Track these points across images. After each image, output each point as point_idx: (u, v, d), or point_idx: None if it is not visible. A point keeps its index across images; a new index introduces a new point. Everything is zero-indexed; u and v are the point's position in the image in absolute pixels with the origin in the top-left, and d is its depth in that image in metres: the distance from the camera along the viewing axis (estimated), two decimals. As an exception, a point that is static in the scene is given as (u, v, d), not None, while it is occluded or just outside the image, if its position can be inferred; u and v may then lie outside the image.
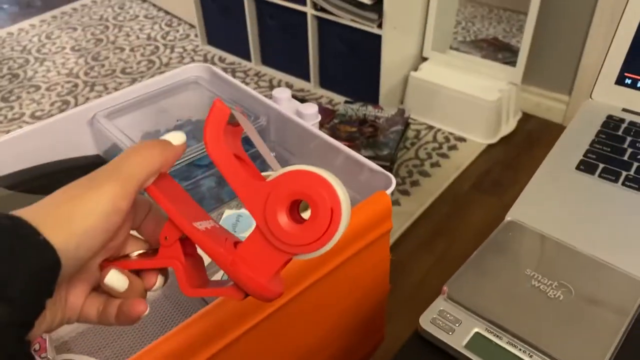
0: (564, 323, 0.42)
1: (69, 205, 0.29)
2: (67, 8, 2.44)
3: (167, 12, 2.37)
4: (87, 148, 0.67)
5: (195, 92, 0.71)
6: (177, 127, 0.70)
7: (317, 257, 0.47)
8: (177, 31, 2.23)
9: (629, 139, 0.58)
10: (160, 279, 0.35)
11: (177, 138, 0.36)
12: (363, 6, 1.67)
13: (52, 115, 1.74)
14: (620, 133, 0.59)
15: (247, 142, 0.67)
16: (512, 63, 1.79)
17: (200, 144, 0.62)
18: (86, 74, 1.97)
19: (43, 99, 1.84)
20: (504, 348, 0.41)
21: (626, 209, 0.51)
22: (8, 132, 1.72)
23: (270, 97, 0.66)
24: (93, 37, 2.22)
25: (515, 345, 0.41)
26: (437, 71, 1.83)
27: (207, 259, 0.36)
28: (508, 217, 0.51)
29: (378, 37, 1.68)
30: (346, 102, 1.77)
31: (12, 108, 1.81)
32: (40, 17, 2.36)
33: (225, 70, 1.97)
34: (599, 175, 0.55)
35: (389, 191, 0.52)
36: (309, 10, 1.75)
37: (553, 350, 0.40)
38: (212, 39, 2.13)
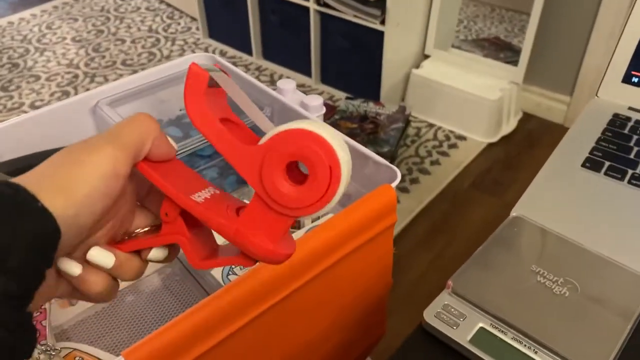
0: (570, 319, 0.41)
1: (67, 169, 0.28)
2: (68, -2, 2.43)
3: (168, 5, 2.36)
4: (89, 135, 0.67)
5: (198, 82, 0.71)
6: (179, 117, 0.70)
7: (320, 250, 0.46)
8: (179, 24, 2.22)
9: (635, 137, 0.58)
10: (158, 252, 0.35)
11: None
12: (366, 2, 1.66)
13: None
14: (626, 131, 0.59)
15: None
16: (514, 62, 1.79)
17: (191, 137, 0.61)
18: (86, 64, 1.96)
19: (43, 89, 1.83)
20: (508, 343, 0.41)
21: (632, 207, 0.51)
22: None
23: (274, 89, 0.66)
24: (94, 28, 2.20)
25: (520, 341, 0.40)
26: (438, 69, 1.82)
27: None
28: (513, 213, 0.51)
29: (380, 34, 1.68)
30: (347, 98, 1.77)
31: (11, 97, 1.80)
32: (41, 7, 2.35)
33: (226, 64, 1.96)
34: (605, 173, 0.55)
35: (394, 184, 0.51)
36: (311, 5, 1.75)
37: (558, 346, 0.39)
38: (214, 32, 2.12)
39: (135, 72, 1.91)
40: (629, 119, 0.60)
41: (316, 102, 0.61)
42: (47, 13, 2.31)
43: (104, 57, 2.01)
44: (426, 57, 1.88)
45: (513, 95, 1.77)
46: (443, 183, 1.56)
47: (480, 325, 0.42)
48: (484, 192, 1.58)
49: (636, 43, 0.62)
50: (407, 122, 1.72)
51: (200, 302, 0.42)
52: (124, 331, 0.52)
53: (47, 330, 0.44)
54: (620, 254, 0.46)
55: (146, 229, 0.35)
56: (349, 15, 1.71)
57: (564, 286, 0.43)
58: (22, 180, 0.27)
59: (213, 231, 0.34)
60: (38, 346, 0.40)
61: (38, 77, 1.90)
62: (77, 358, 0.48)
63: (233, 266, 0.56)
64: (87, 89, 1.83)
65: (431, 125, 1.79)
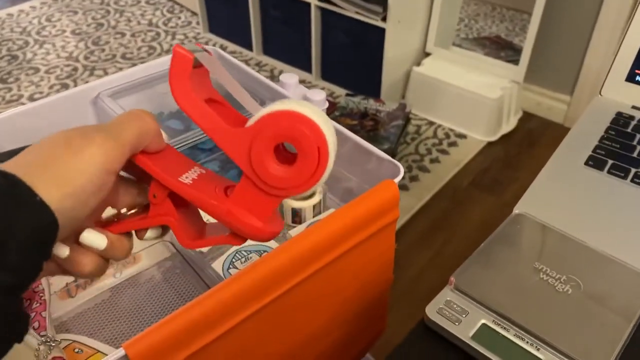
0: (572, 317, 0.41)
1: (64, 161, 0.28)
2: (68, -9, 2.41)
3: (169, -1, 2.35)
4: (90, 128, 0.67)
5: (200, 75, 0.70)
6: (180, 110, 0.69)
7: (322, 245, 0.46)
8: (179, 18, 2.22)
9: (638, 136, 0.58)
10: (152, 231, 0.35)
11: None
12: (368, -2, 1.66)
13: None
14: (629, 130, 0.59)
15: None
16: (515, 61, 1.78)
17: (192, 130, 0.61)
18: (86, 58, 1.95)
19: (42, 81, 1.83)
20: (511, 340, 0.40)
21: (635, 206, 0.51)
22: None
23: (276, 83, 0.65)
24: (94, 21, 2.19)
25: (522, 338, 0.40)
26: (439, 67, 1.82)
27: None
28: (516, 210, 0.51)
29: (381, 31, 1.67)
30: (347, 94, 1.76)
31: (10, 89, 1.79)
32: (40, -1, 2.34)
33: (226, 59, 1.96)
34: (608, 172, 0.54)
35: (396, 180, 0.51)
36: (312, 0, 1.74)
37: (561, 343, 0.39)
38: (214, 27, 2.11)
39: (134, 65, 1.91)
40: (632, 117, 0.60)
41: (319, 96, 0.61)
42: (47, 5, 2.30)
43: (103, 50, 2.00)
44: (427, 54, 1.88)
45: (513, 94, 1.77)
46: (443, 181, 1.56)
47: (483, 321, 0.42)
48: (483, 191, 1.58)
49: (641, 42, 0.61)
50: (407, 120, 1.72)
51: (201, 295, 0.41)
52: (124, 324, 0.52)
53: (47, 321, 0.44)
54: (623, 252, 0.46)
55: (134, 210, 0.35)
56: (350, 12, 1.70)
57: (566, 284, 0.43)
58: (17, 168, 0.27)
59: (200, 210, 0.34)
60: (38, 337, 0.39)
61: (37, 70, 1.89)
62: (76, 350, 0.47)
63: (234, 260, 0.56)
64: (87, 82, 1.83)
65: (431, 123, 1.79)
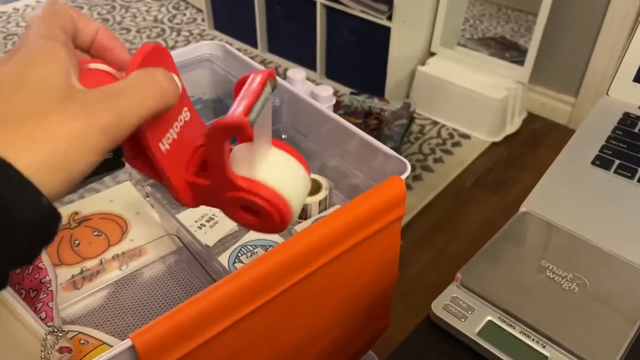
0: (578, 315, 0.41)
1: (57, 141, 0.24)
2: (73, -14, 2.42)
3: (174, -5, 2.35)
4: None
5: (208, 70, 0.70)
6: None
7: (328, 240, 0.46)
8: (184, 15, 2.22)
9: (645, 136, 0.58)
10: None
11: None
12: (374, -3, 1.66)
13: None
14: (637, 130, 0.59)
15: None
16: (520, 62, 1.78)
17: (209, 122, 0.61)
18: (91, 53, 1.96)
19: (47, 76, 1.83)
20: (516, 337, 0.40)
21: (641, 206, 0.51)
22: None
23: (283, 79, 0.65)
24: (99, 16, 2.20)
25: (528, 335, 0.40)
26: (444, 67, 1.82)
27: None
28: (523, 208, 0.51)
29: (387, 30, 1.67)
30: (352, 93, 1.76)
31: (15, 84, 1.80)
32: (46, -6, 2.34)
33: (231, 56, 1.96)
34: (615, 172, 0.54)
35: (403, 177, 0.51)
36: (318, -1, 1.74)
37: (566, 341, 0.39)
38: (219, 24, 2.11)
39: (139, 61, 1.91)
40: (639, 117, 0.60)
41: (326, 92, 0.61)
42: (53, 0, 2.30)
43: (108, 46, 2.00)
44: (432, 54, 1.88)
45: (518, 95, 1.77)
46: (446, 181, 1.56)
47: (489, 318, 0.42)
48: (486, 191, 1.58)
49: (649, 42, 0.61)
50: (412, 119, 1.72)
51: (208, 288, 0.41)
52: (129, 317, 0.52)
53: (54, 312, 0.44)
54: (630, 251, 0.46)
55: None
56: (355, 10, 1.70)
57: (573, 282, 0.43)
58: (5, 150, 0.23)
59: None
60: (45, 327, 0.40)
61: (42, 64, 1.89)
62: (82, 341, 0.48)
63: (239, 254, 0.56)
64: (92, 78, 1.83)
65: (435, 123, 1.78)
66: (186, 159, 0.34)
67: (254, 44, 2.02)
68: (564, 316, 0.41)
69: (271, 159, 0.33)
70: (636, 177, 0.53)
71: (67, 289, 0.53)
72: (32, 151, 0.24)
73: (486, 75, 1.79)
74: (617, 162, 0.55)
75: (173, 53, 0.69)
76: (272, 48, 2.02)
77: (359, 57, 1.81)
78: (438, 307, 0.43)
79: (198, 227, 0.58)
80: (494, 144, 1.74)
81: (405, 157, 1.65)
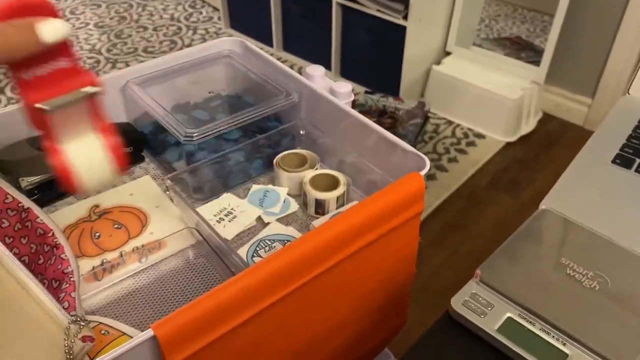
0: (600, 313, 0.41)
1: None
2: (91, -16, 2.44)
3: (190, -6, 2.37)
4: (118, 115, 0.67)
5: (227, 66, 0.71)
6: (206, 101, 0.70)
7: (347, 235, 0.46)
8: (201, 13, 2.23)
9: (667, 135, 0.57)
10: None
11: (55, 30, 0.39)
12: (390, -4, 1.66)
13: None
14: (658, 129, 0.58)
15: (276, 120, 0.67)
16: (535, 62, 1.77)
17: (229, 117, 0.61)
18: (109, 50, 1.98)
19: (64, 72, 1.85)
20: (536, 334, 0.40)
21: (663, 205, 0.51)
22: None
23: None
24: (117, 14, 2.22)
25: (548, 332, 0.40)
26: (459, 66, 1.81)
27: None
28: (542, 206, 0.51)
29: (402, 29, 1.67)
30: (366, 92, 1.76)
31: (33, 80, 1.82)
32: (64, -8, 2.37)
33: (246, 54, 1.97)
34: (636, 170, 0.54)
35: (422, 173, 0.51)
36: (334, -3, 1.74)
37: (587, 339, 0.39)
38: (235, 22, 2.12)
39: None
40: (661, 117, 0.60)
41: (345, 89, 0.61)
42: (71, -2, 2.32)
43: (125, 43, 2.02)
44: (447, 54, 1.87)
45: (534, 95, 1.75)
46: (460, 180, 1.55)
47: (508, 315, 0.42)
48: (501, 191, 1.57)
49: (671, 40, 0.61)
50: (426, 118, 1.71)
51: (228, 280, 0.42)
52: (149, 309, 0.52)
53: (76, 301, 0.44)
54: (651, 250, 0.45)
55: None
56: (371, 10, 1.70)
57: (594, 280, 0.43)
58: None
59: None
60: (68, 316, 0.40)
61: (60, 61, 1.91)
62: (102, 331, 0.48)
63: (257, 248, 0.57)
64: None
65: (450, 122, 1.78)
66: (47, 95, 0.41)
67: (270, 43, 2.02)
68: (585, 314, 0.41)
69: (82, 140, 0.44)
70: (658, 176, 0.53)
71: (87, 280, 0.53)
72: None
73: (502, 75, 1.78)
74: (638, 161, 0.55)
75: (192, 49, 0.70)
76: (288, 47, 2.03)
77: (374, 56, 1.81)
78: (457, 303, 0.43)
79: (217, 221, 0.59)
80: (508, 144, 1.73)
81: (420, 156, 1.65)
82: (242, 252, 0.56)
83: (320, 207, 0.59)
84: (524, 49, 2.07)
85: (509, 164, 1.67)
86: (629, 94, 0.64)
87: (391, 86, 1.79)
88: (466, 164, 1.62)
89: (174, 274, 0.55)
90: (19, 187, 0.59)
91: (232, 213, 0.60)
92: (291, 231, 0.58)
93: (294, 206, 0.61)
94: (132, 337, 0.50)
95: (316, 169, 0.62)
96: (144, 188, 0.63)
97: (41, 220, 0.51)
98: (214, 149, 0.63)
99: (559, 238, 0.48)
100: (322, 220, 0.59)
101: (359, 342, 0.56)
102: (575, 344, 0.39)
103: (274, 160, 0.63)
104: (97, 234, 0.58)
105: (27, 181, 0.60)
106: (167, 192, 0.62)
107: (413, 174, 0.50)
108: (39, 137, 0.61)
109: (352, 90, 0.65)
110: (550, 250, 0.46)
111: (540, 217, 0.49)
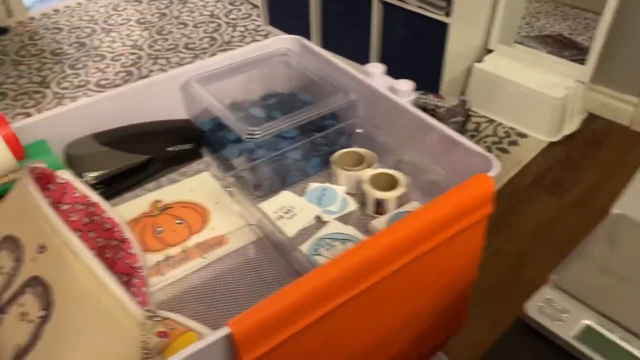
0: (683, 322, 0.40)
1: None
2: (132, -19, 2.47)
3: (229, -10, 2.38)
4: (178, 111, 0.68)
5: (284, 64, 0.71)
6: (262, 98, 0.70)
7: (415, 238, 0.46)
8: (240, 10, 2.24)
9: None
10: None
11: None
12: (432, -7, 1.64)
13: (116, 85, 1.78)
14: None
15: (333, 117, 0.66)
16: (578, 61, 1.73)
17: (289, 115, 0.61)
18: (150, 46, 2.00)
19: (108, 68, 1.88)
20: (616, 343, 0.39)
21: None
22: (74, 98, 1.77)
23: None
24: (158, 11, 2.25)
25: (629, 342, 0.39)
26: (501, 64, 1.78)
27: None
28: (615, 210, 0.49)
29: (444, 26, 1.65)
30: (406, 89, 1.75)
31: (78, 75, 1.86)
32: (106, -11, 2.41)
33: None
34: None
35: (491, 174, 0.50)
36: (375, -6, 1.73)
37: (672, 348, 0.38)
38: (274, 19, 2.12)
39: (196, 56, 1.94)
40: None
41: (406, 87, 0.60)
42: (112, -5, 2.36)
43: (166, 40, 2.04)
44: (489, 51, 1.84)
45: (578, 94, 1.71)
46: (503, 180, 1.53)
47: (586, 321, 0.41)
48: (543, 191, 1.54)
49: None
50: (467, 117, 1.69)
51: (300, 278, 0.42)
52: (212, 305, 0.53)
53: (148, 297, 0.45)
54: None
55: None
56: (412, 6, 1.68)
57: (675, 287, 0.42)
58: None
59: None
60: (144, 312, 0.41)
61: (103, 57, 1.95)
62: (169, 327, 0.49)
63: (317, 247, 0.57)
64: (151, 71, 1.87)
65: (491, 121, 1.75)
66: None
67: (309, 40, 2.02)
68: (667, 322, 0.40)
69: None
70: None
71: (151, 275, 0.54)
72: None
73: (545, 73, 1.75)
74: None
75: (251, 47, 0.70)
76: (327, 44, 2.02)
77: (414, 53, 1.79)
78: (532, 308, 0.42)
79: (276, 218, 0.59)
80: (551, 144, 1.69)
81: (460, 155, 1.62)
82: (303, 250, 0.56)
83: (380, 207, 0.59)
84: (566, 47, 2.03)
85: (552, 164, 1.63)
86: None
87: (432, 83, 1.77)
88: (508, 163, 1.59)
89: (236, 270, 0.55)
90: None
91: (291, 211, 0.60)
92: (350, 230, 0.58)
93: (352, 205, 0.61)
94: (199, 333, 0.50)
95: (374, 168, 0.62)
96: (203, 184, 0.64)
97: (108, 215, 0.52)
98: (272, 147, 0.63)
99: (635, 243, 0.46)
100: (382, 220, 0.58)
101: (419, 344, 0.56)
102: (658, 353, 0.38)
103: (331, 159, 0.63)
104: (159, 229, 0.59)
105: (90, 176, 0.61)
106: (229, 189, 0.63)
107: (482, 175, 0.49)
108: (104, 132, 0.63)
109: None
110: (628, 256, 0.45)
111: (615, 222, 0.48)
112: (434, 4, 1.64)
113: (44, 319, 0.42)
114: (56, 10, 2.28)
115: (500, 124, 1.74)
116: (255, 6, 2.23)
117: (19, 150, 0.50)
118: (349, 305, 0.45)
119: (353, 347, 0.49)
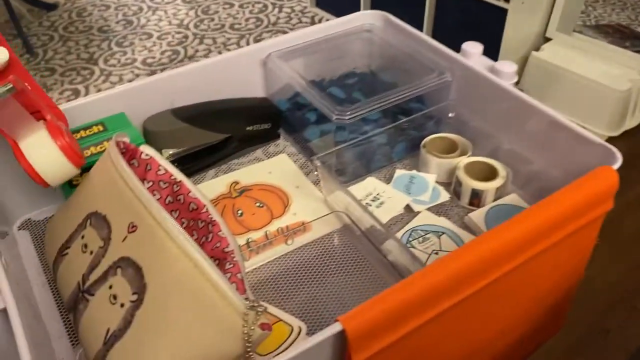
0: None
1: None
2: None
3: (275, -29, 2.34)
4: (255, 89, 0.65)
5: (366, 41, 0.67)
6: (342, 77, 0.66)
7: (532, 236, 0.41)
8: (286, -9, 2.20)
9: None
10: None
11: None
12: (493, -24, 1.57)
13: (162, 64, 1.76)
14: None
15: (419, 100, 0.62)
16: (642, 52, 1.64)
17: (375, 97, 0.57)
18: (196, 26, 1.98)
19: (154, 46, 1.86)
20: None
21: None
22: (120, 77, 1.76)
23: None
24: (203, -11, 2.22)
25: None
26: (560, 53, 1.70)
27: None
28: None
29: (503, 11, 1.58)
30: (460, 77, 1.69)
31: (125, 53, 1.84)
32: (152, -33, 2.38)
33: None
34: None
35: (615, 166, 0.45)
36: (431, -23, 1.67)
37: None
38: (321, 1, 2.08)
39: (242, 36, 1.91)
40: None
41: (510, 68, 0.56)
42: (158, -27, 2.34)
43: (212, 19, 2.01)
44: (547, 40, 1.77)
45: (642, 87, 1.63)
46: (561, 175, 1.46)
47: None
48: (603, 189, 1.47)
49: None
50: (523, 107, 1.62)
51: (413, 275, 0.38)
52: (297, 294, 0.49)
53: (244, 284, 0.42)
54: None
55: None
56: (471, -10, 1.62)
57: None
58: None
59: None
60: (244, 301, 0.37)
61: (150, 35, 1.93)
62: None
63: (410, 238, 0.53)
64: (197, 50, 1.84)
65: (548, 113, 1.68)
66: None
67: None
68: None
69: (34, 138, 0.45)
70: None
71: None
72: None
73: (606, 64, 1.66)
74: None
75: (333, 22, 0.66)
76: (375, 27, 1.97)
77: (469, 39, 1.73)
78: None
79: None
80: (611, 139, 1.62)
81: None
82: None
83: (477, 198, 0.55)
84: (628, 38, 1.94)
85: (612, 159, 1.56)
86: None
87: (486, 72, 1.70)
88: (567, 158, 1.52)
89: (321, 259, 0.52)
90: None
91: (378, 198, 0.56)
92: (444, 222, 0.54)
93: (444, 195, 0.57)
94: (288, 325, 0.47)
95: (469, 155, 0.57)
96: (281, 166, 0.60)
97: (193, 194, 0.49)
98: (355, 130, 0.59)
99: None
100: (480, 213, 0.54)
101: (520, 346, 0.52)
102: None
103: (421, 144, 0.59)
104: (240, 211, 0.55)
105: (167, 153, 0.58)
106: (315, 173, 0.59)
107: (606, 167, 0.45)
108: (183, 108, 0.59)
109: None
110: None
111: None
112: (494, -12, 1.57)
113: (136, 303, 0.39)
114: (103, -13, 2.27)
115: (557, 116, 1.67)
116: (303, -13, 2.18)
117: (79, 157, 0.47)
118: (461, 306, 0.41)
119: (457, 348, 0.45)
